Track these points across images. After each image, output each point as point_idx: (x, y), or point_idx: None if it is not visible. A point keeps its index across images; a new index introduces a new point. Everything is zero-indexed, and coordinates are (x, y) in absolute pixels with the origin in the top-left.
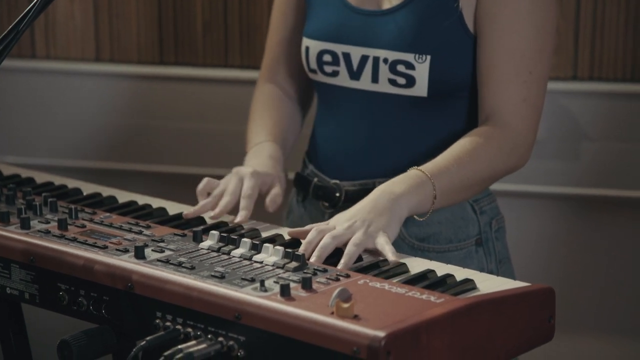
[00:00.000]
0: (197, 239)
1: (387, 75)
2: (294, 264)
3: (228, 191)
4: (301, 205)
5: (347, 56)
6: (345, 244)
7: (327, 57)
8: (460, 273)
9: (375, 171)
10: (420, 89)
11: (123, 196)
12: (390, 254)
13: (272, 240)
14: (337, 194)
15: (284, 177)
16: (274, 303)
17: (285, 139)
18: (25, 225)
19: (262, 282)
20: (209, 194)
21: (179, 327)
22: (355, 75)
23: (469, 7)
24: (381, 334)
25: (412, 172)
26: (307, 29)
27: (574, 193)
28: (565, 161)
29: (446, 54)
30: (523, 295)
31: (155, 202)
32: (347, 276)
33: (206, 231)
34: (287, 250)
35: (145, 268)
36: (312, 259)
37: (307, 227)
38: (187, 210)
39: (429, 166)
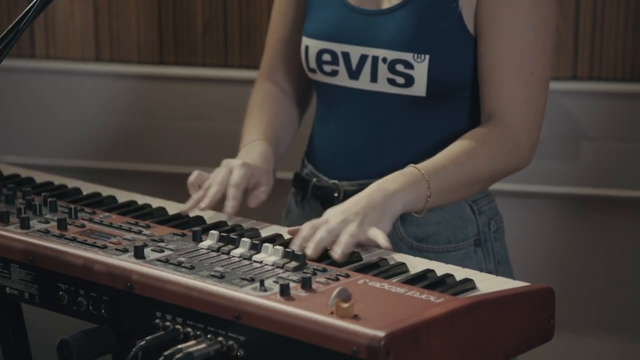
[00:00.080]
0: (197, 238)
1: (386, 75)
2: (293, 264)
3: (216, 181)
4: (300, 206)
5: (346, 55)
6: None
7: (326, 57)
8: (459, 273)
9: (375, 171)
10: (419, 88)
11: (122, 196)
12: (382, 240)
13: (272, 240)
14: (336, 194)
15: (272, 174)
16: (273, 303)
17: (278, 139)
18: (24, 225)
19: (261, 282)
20: (200, 187)
21: (178, 327)
22: (354, 74)
23: (469, 8)
24: (381, 333)
25: (408, 170)
26: (307, 28)
27: (573, 193)
28: (564, 161)
29: (445, 53)
30: (523, 295)
31: (155, 202)
32: (347, 276)
33: (206, 231)
34: (286, 250)
35: (144, 268)
36: (308, 252)
37: (304, 225)
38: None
39: (426, 164)
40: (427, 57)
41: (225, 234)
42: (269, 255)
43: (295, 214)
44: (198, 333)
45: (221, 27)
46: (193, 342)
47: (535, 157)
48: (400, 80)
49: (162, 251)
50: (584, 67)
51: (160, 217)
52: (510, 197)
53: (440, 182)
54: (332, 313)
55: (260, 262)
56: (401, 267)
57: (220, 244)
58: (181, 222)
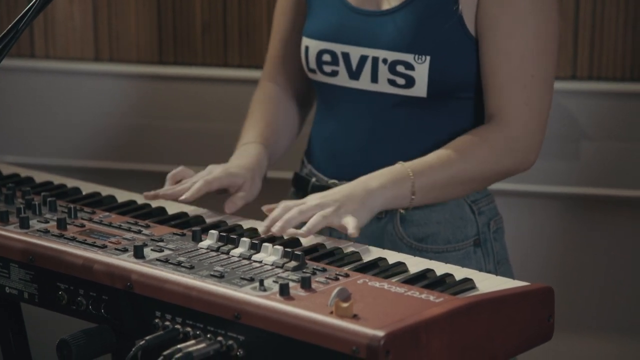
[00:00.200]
0: (196, 238)
1: (386, 76)
2: (293, 264)
3: (192, 180)
4: None
5: (346, 56)
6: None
7: (326, 57)
8: (459, 272)
9: (375, 171)
10: (420, 89)
11: (122, 195)
12: (351, 227)
13: (272, 239)
14: None
15: (259, 180)
16: (273, 302)
17: (276, 141)
18: (24, 224)
19: (261, 282)
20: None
21: (178, 326)
22: (354, 75)
23: (470, 9)
24: (380, 333)
25: (394, 167)
26: (307, 28)
27: (573, 192)
28: (564, 161)
29: (446, 55)
30: (522, 295)
31: (154, 202)
32: (347, 276)
33: (205, 230)
34: (286, 249)
35: (144, 267)
36: (274, 229)
37: (280, 203)
38: (187, 210)
39: (415, 163)
40: (428, 58)
41: (224, 234)
42: (269, 254)
43: None
44: (197, 333)
45: (221, 27)
46: (192, 341)
47: None
48: (400, 81)
49: (162, 251)
50: (583, 66)
51: (160, 216)
52: (510, 196)
53: (426, 181)
54: (331, 313)
55: (260, 262)
56: (401, 267)
57: (220, 243)
58: (181, 221)
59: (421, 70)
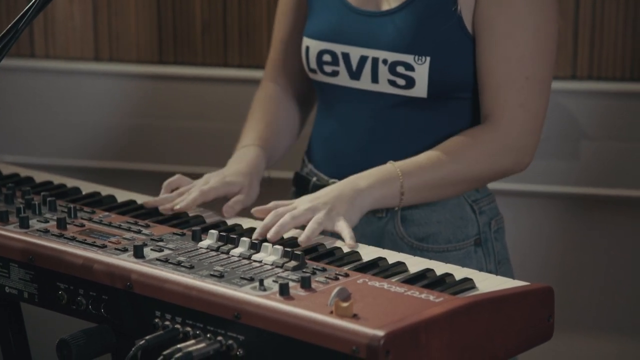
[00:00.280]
0: (196, 238)
1: (386, 76)
2: (293, 263)
3: (187, 188)
4: None
5: (346, 56)
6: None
7: (326, 57)
8: (459, 272)
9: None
10: (420, 90)
11: (122, 195)
12: (348, 238)
13: None
14: None
15: (256, 187)
16: (273, 302)
17: (275, 142)
18: (24, 224)
19: (261, 282)
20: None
21: (178, 326)
22: (355, 75)
23: (468, 10)
24: (380, 333)
25: (384, 167)
26: (308, 29)
27: (572, 192)
28: (564, 160)
29: (446, 55)
30: (522, 295)
31: (146, 200)
32: (346, 275)
33: (205, 230)
34: (286, 249)
35: (144, 267)
36: (269, 236)
37: (270, 204)
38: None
39: (405, 163)
40: (428, 59)
41: (224, 234)
42: (269, 254)
43: None
44: (197, 332)
45: (220, 27)
46: (192, 341)
47: (534, 157)
48: (401, 82)
49: (162, 250)
50: (583, 66)
51: (160, 216)
52: (509, 196)
53: (416, 181)
54: (331, 312)
55: (260, 262)
56: (400, 267)
57: (220, 243)
58: (180, 221)
59: (421, 71)
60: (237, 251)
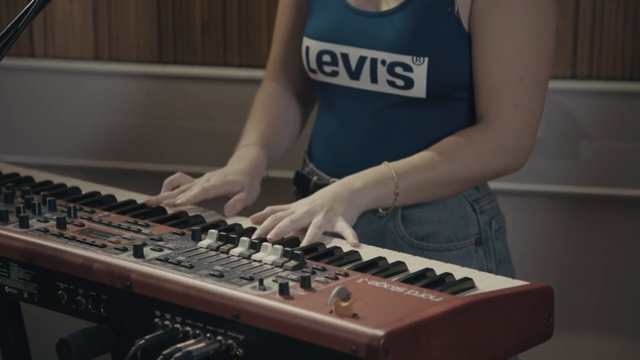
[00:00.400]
0: (196, 237)
1: (385, 77)
2: (292, 263)
3: (189, 186)
4: None
5: (345, 57)
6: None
7: (326, 58)
8: (459, 272)
9: None
10: (419, 90)
11: (122, 195)
12: (350, 237)
13: None
14: None
15: (257, 186)
16: (272, 302)
17: (275, 142)
18: (24, 224)
19: (261, 281)
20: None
21: (177, 326)
22: (354, 75)
23: (465, 10)
24: (380, 332)
25: (379, 168)
26: (308, 29)
27: (572, 192)
28: (563, 160)
29: (444, 56)
30: (522, 294)
31: (148, 199)
32: (346, 275)
33: (205, 230)
34: (285, 249)
35: (144, 267)
36: (269, 237)
37: (266, 210)
38: (186, 209)
39: (399, 163)
40: (426, 59)
41: (224, 233)
42: (268, 254)
43: None
44: (197, 332)
45: (220, 26)
46: (192, 341)
47: (534, 156)
48: (399, 82)
49: (161, 250)
50: (583, 66)
51: (159, 216)
52: (509, 196)
53: (410, 181)
54: (331, 312)
55: (260, 261)
56: (400, 266)
57: (220, 242)
58: (180, 221)
59: (420, 72)
60: (236, 251)
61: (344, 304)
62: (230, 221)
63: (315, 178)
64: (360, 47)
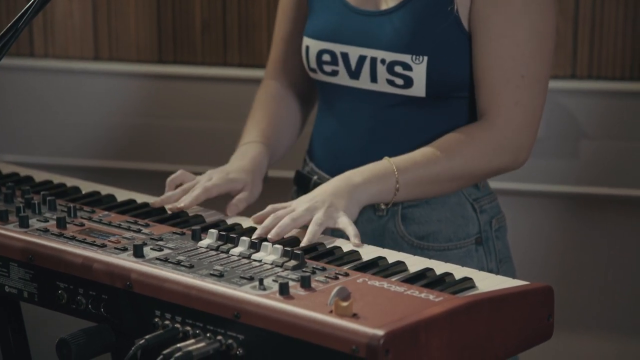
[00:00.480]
0: (196, 237)
1: (385, 76)
2: (292, 263)
3: (191, 184)
4: None
5: (345, 56)
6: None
7: (326, 57)
8: (459, 272)
9: None
10: (419, 89)
11: (122, 194)
12: (352, 236)
13: None
14: None
15: (259, 183)
16: (272, 302)
17: (277, 140)
18: (23, 223)
19: (261, 281)
20: (178, 187)
21: (177, 325)
22: (354, 74)
23: (464, 8)
24: (380, 332)
25: (380, 163)
26: (307, 28)
27: (572, 191)
28: (564, 159)
29: (443, 54)
30: (522, 294)
31: (153, 201)
32: (346, 275)
33: (205, 229)
34: (285, 248)
35: (144, 267)
36: (270, 236)
37: (268, 208)
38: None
39: (400, 159)
40: (426, 58)
41: (224, 233)
42: (268, 254)
43: None
44: (197, 332)
45: (220, 26)
46: (192, 340)
47: (534, 156)
48: (399, 81)
49: (161, 250)
50: (583, 65)
51: (159, 215)
52: (509, 195)
53: (411, 177)
54: (331, 312)
55: (260, 261)
56: (400, 266)
57: (220, 242)
58: (180, 220)
59: (419, 71)
60: (236, 250)
61: (344, 304)
62: (230, 221)
63: (315, 177)
64: (360, 46)
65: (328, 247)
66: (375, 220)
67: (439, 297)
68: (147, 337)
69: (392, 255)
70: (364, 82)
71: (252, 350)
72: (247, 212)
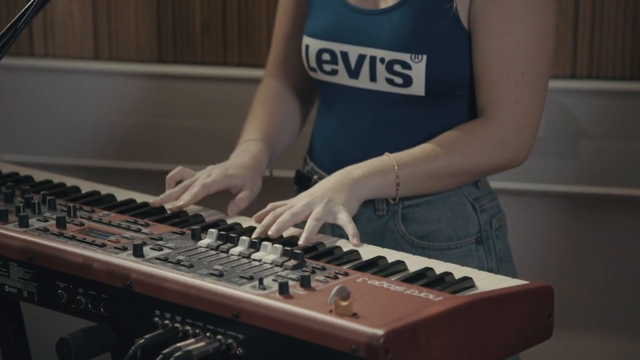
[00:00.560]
0: (196, 237)
1: (384, 75)
2: (292, 262)
3: (190, 181)
4: None
5: (344, 55)
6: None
7: (325, 56)
8: (458, 271)
9: None
10: (418, 88)
11: (121, 194)
12: (351, 235)
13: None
14: None
15: (259, 180)
16: (272, 301)
17: (277, 138)
18: (23, 223)
19: (260, 280)
20: (178, 184)
21: (177, 325)
22: (353, 74)
23: (464, 6)
24: (380, 332)
25: (380, 158)
26: (307, 27)
27: (572, 191)
28: (563, 159)
29: (443, 53)
30: (522, 294)
31: (153, 200)
32: (346, 274)
33: (205, 229)
34: (285, 248)
35: (143, 266)
36: (270, 232)
37: (268, 207)
38: (186, 208)
39: (401, 154)
40: (425, 57)
41: (224, 232)
42: (268, 253)
43: None
44: (197, 331)
45: (220, 26)
46: (192, 340)
47: (534, 156)
48: (398, 80)
49: (161, 249)
50: (583, 65)
51: (159, 215)
52: (509, 195)
53: (411, 172)
54: (331, 311)
55: (259, 261)
56: (400, 266)
57: (219, 242)
58: (180, 220)
59: (418, 69)
60: (236, 250)
61: (344, 303)
62: (230, 220)
63: (316, 177)
64: (359, 45)
65: (328, 246)
66: (376, 220)
67: (438, 296)
68: (146, 336)
69: (391, 255)
70: (363, 82)
71: (252, 349)
72: (247, 211)
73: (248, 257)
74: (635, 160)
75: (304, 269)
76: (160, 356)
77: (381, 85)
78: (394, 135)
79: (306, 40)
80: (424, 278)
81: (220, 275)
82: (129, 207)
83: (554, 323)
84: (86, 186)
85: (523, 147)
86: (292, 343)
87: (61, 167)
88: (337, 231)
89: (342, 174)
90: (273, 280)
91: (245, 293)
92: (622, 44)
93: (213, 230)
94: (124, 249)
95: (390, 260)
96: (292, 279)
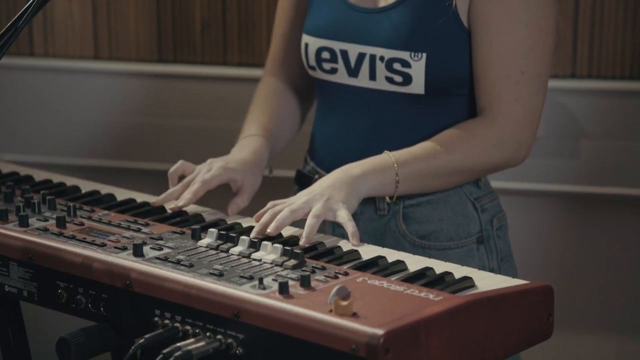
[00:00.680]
0: (196, 236)
1: (384, 73)
2: (292, 262)
3: (198, 179)
4: None
5: (344, 53)
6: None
7: (325, 54)
8: (458, 271)
9: None
10: (417, 86)
11: (121, 194)
12: (351, 235)
13: (271, 237)
14: None
15: (259, 176)
16: (272, 301)
17: (277, 135)
18: (23, 223)
19: (260, 280)
20: (181, 179)
21: (177, 325)
22: (353, 72)
23: (464, 4)
24: (380, 331)
25: (380, 156)
26: (307, 25)
27: (572, 191)
28: (563, 159)
29: (442, 51)
30: (522, 293)
31: (154, 200)
32: (346, 274)
33: (205, 229)
34: (285, 247)
35: (143, 266)
36: (269, 230)
37: (268, 205)
38: (186, 208)
39: (400, 152)
40: (424, 55)
41: (224, 232)
42: (268, 253)
43: None
44: (197, 331)
45: (220, 25)
46: (192, 340)
47: (534, 155)
48: (398, 78)
49: (161, 249)
50: (583, 65)
51: (159, 215)
52: (509, 194)
53: (410, 170)
54: (331, 311)
55: (259, 260)
56: (400, 265)
57: (219, 241)
58: (180, 220)
59: (418, 68)
60: (236, 250)
61: (344, 303)
62: (230, 220)
63: (316, 177)
64: (359, 43)
65: (328, 246)
66: (377, 220)
67: (438, 296)
68: (146, 336)
69: (391, 255)
70: (362, 80)
71: (252, 349)
72: (247, 211)
73: (248, 256)
74: (635, 160)
75: (304, 268)
76: (160, 356)
77: (381, 84)
78: (394, 134)
79: (305, 38)
80: (423, 278)
81: (220, 275)
82: (128, 206)
83: (554, 323)
84: (86, 186)
85: (523, 146)
86: (292, 343)
87: (61, 167)
88: (337, 231)
89: (342, 171)
90: (273, 280)
91: (245, 293)
92: (622, 43)
93: (213, 230)
94: (124, 248)
95: (390, 260)
96: (292, 279)
